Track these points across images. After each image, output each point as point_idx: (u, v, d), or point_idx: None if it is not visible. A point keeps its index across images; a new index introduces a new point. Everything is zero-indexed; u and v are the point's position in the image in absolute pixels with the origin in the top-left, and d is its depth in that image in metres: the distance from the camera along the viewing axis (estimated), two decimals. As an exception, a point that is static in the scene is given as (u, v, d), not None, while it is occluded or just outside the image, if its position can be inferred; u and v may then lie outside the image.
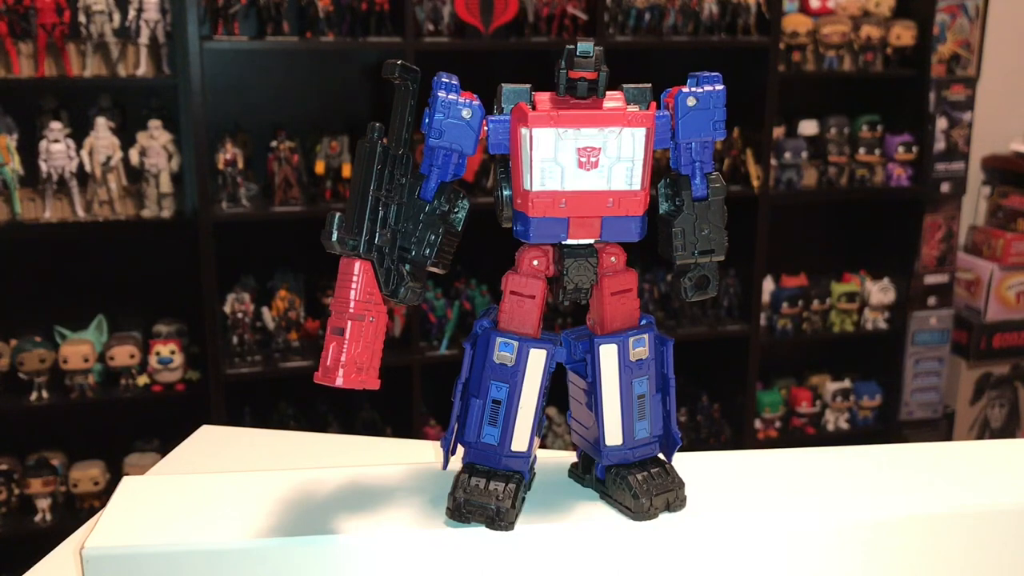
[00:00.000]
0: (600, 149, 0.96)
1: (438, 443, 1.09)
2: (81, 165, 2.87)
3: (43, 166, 2.84)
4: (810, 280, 3.61)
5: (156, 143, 2.91)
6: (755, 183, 3.26)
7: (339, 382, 0.93)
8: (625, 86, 1.00)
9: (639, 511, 1.03)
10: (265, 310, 3.04)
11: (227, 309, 2.99)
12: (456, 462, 1.06)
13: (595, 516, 1.05)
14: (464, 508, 1.01)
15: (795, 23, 3.34)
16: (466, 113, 0.96)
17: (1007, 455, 1.24)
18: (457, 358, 1.48)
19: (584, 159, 0.96)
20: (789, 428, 3.66)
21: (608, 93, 0.98)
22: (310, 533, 0.99)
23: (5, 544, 2.93)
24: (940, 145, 3.51)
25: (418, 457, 1.41)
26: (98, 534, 0.99)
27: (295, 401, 3.23)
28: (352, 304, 0.94)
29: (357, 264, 0.94)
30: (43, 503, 2.96)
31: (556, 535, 1.02)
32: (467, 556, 1.01)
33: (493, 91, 1.00)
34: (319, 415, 3.23)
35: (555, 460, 1.16)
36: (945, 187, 3.55)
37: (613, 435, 1.04)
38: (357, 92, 3.29)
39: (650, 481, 1.04)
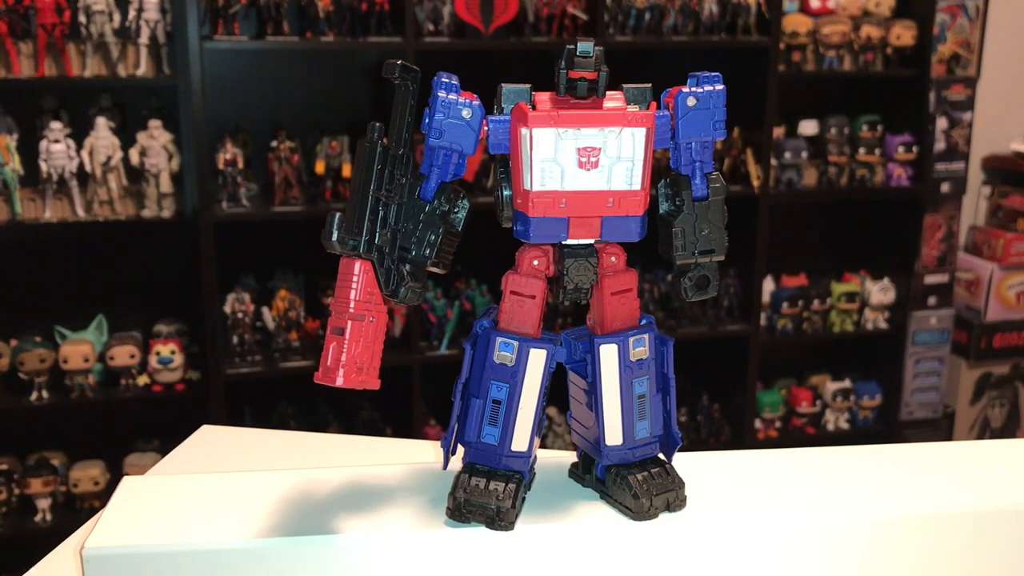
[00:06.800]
0: (600, 149, 0.96)
1: (438, 443, 1.09)
2: (81, 165, 2.87)
3: (43, 166, 2.84)
4: (810, 280, 3.61)
5: (156, 143, 2.91)
6: (755, 183, 3.26)
7: (339, 382, 0.93)
8: (625, 86, 1.00)
9: (639, 511, 1.03)
10: (265, 310, 3.04)
11: (227, 309, 2.99)
12: (456, 462, 1.06)
13: (595, 516, 1.05)
14: (464, 508, 1.01)
15: (795, 23, 3.34)
16: (466, 113, 0.96)
17: (1007, 455, 1.24)
18: (457, 358, 1.48)
19: (584, 159, 0.96)
20: (789, 428, 3.66)
21: (608, 93, 0.98)
22: (310, 533, 0.99)
23: (5, 544, 2.93)
24: (940, 145, 3.51)
25: (418, 457, 1.41)
26: (98, 534, 0.99)
27: (295, 401, 3.23)
28: (352, 304, 0.94)
29: (357, 264, 0.94)
30: (43, 503, 2.96)
31: (556, 535, 1.02)
32: (467, 556, 1.01)
33: (493, 91, 1.00)
34: (319, 415, 3.23)
35: (555, 460, 1.16)
36: (945, 187, 3.55)
37: (613, 435, 1.04)
38: (357, 92, 3.29)
39: (650, 481, 1.04)
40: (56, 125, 2.84)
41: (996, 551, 1.11)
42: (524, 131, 0.96)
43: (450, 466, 1.06)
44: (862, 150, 3.48)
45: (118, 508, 1.05)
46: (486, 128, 0.98)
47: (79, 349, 2.93)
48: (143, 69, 2.88)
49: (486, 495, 1.00)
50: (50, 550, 1.22)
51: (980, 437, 3.80)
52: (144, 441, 3.13)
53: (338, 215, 0.92)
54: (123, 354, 2.96)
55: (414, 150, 0.98)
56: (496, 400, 1.02)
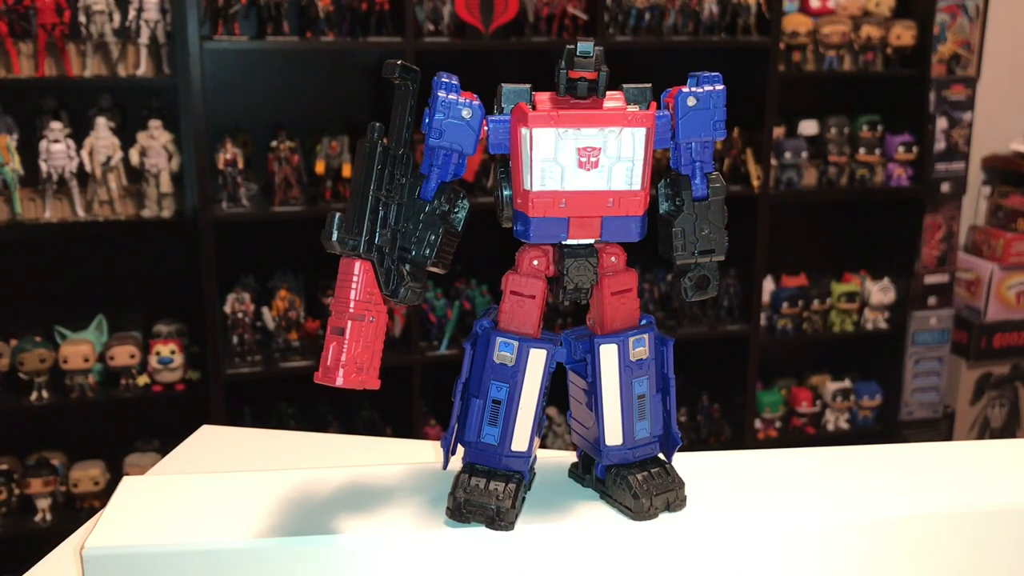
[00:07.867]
0: (600, 149, 0.96)
1: (438, 443, 1.09)
2: (81, 165, 2.87)
3: (43, 166, 2.84)
4: (810, 280, 3.61)
5: (156, 143, 2.91)
6: (755, 183, 3.26)
7: (339, 382, 0.93)
8: (625, 86, 1.00)
9: (639, 511, 1.03)
10: (265, 310, 3.04)
11: (227, 309, 2.99)
12: (456, 462, 1.06)
13: (595, 516, 1.05)
14: (464, 508, 1.01)
15: (795, 23, 3.34)
16: (466, 113, 0.97)
17: (1007, 455, 1.24)
18: (457, 358, 1.48)
19: (584, 159, 0.96)
20: (789, 428, 3.66)
21: (608, 93, 0.98)
22: (310, 533, 0.99)
23: (5, 544, 2.93)
24: (940, 145, 3.51)
25: (418, 457, 1.41)
26: (98, 534, 0.99)
27: (295, 401, 3.23)
28: (352, 304, 0.94)
29: (357, 264, 0.94)
30: (43, 503, 2.96)
31: (556, 535, 1.02)
32: (467, 556, 1.01)
33: (493, 91, 1.00)
34: (319, 415, 3.23)
35: (555, 460, 1.16)
36: (945, 187, 3.55)
37: (613, 435, 1.04)
38: (357, 92, 3.29)
39: (650, 481, 1.04)
40: (56, 125, 2.84)
41: (996, 551, 1.11)
42: (524, 131, 0.96)
43: (450, 466, 1.06)
44: (862, 150, 3.48)
45: (118, 508, 1.05)
46: (486, 128, 0.98)
47: (79, 349, 2.93)
48: (143, 69, 2.88)
49: (486, 495, 1.00)
50: (50, 550, 1.22)
51: (980, 437, 3.80)
52: (144, 441, 3.13)
53: (338, 215, 0.92)
54: (123, 354, 2.96)
55: (414, 150, 0.98)
56: (496, 400, 1.02)
